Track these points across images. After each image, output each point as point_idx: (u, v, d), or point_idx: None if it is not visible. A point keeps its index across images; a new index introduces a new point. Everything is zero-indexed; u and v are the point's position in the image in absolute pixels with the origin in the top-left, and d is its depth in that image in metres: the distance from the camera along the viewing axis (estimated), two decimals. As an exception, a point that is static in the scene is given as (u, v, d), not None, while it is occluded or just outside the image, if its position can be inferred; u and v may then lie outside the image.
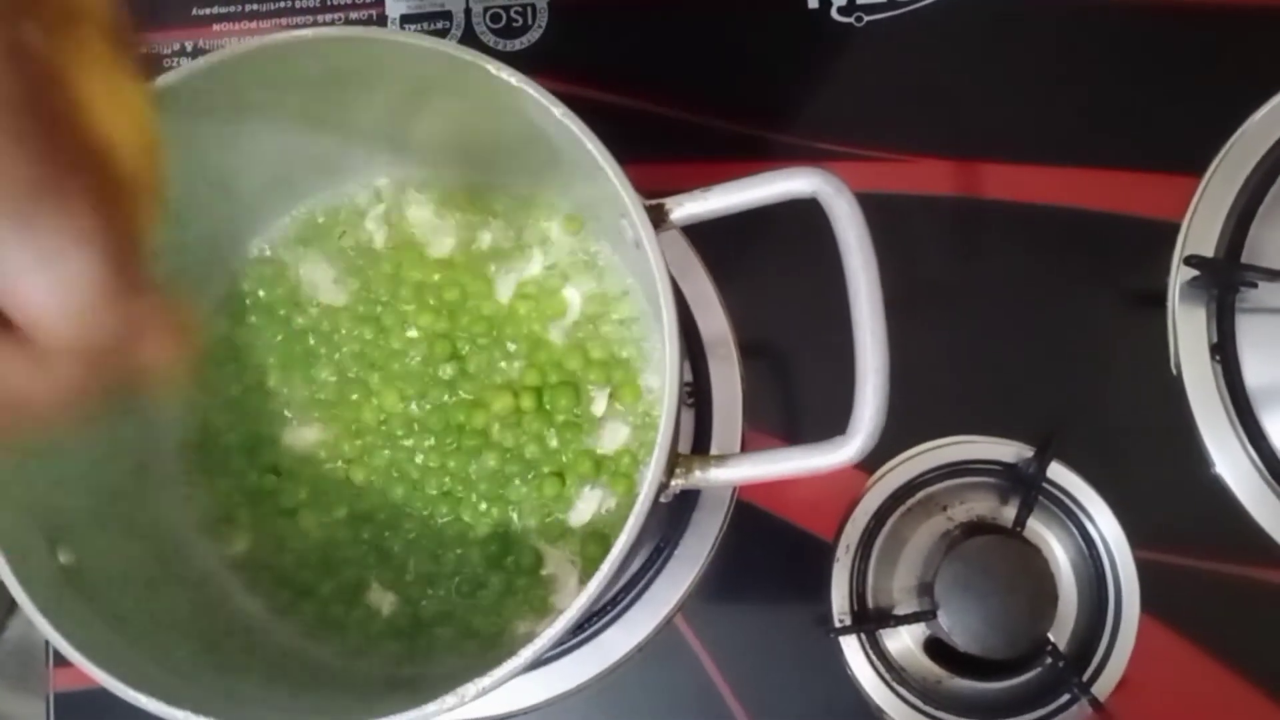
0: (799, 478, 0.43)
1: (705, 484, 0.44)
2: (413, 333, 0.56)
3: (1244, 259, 0.61)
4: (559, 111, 0.43)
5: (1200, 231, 0.62)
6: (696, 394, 0.61)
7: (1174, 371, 0.61)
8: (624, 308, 0.56)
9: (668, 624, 0.60)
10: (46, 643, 0.62)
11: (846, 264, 0.42)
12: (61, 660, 0.61)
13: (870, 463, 0.61)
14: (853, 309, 0.42)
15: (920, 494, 0.61)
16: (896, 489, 0.61)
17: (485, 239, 0.57)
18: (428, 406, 0.55)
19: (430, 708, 0.40)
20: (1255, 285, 0.60)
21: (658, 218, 0.43)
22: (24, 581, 0.42)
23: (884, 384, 0.42)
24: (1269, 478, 0.60)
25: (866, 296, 0.42)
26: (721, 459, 0.44)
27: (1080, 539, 0.60)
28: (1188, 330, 0.61)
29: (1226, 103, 0.63)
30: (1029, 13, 0.66)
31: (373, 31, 0.45)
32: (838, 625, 0.59)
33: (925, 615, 0.57)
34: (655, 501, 0.41)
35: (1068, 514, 0.60)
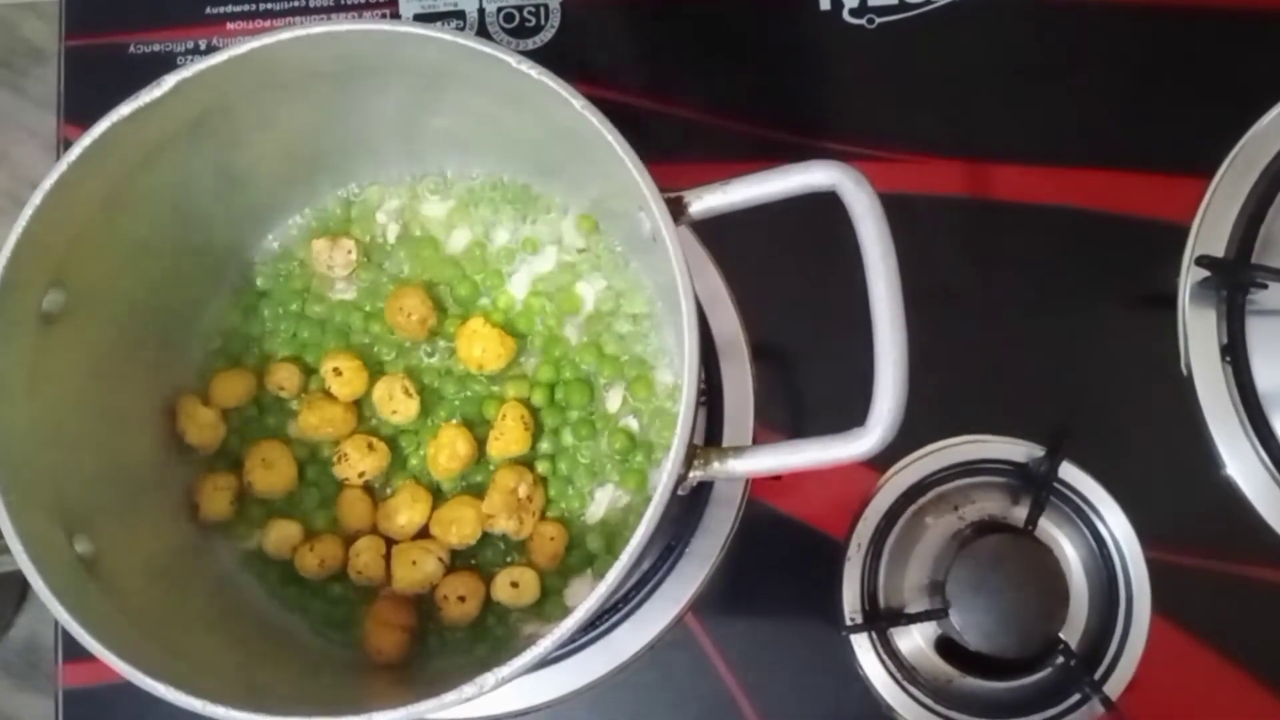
0: (816, 469, 0.43)
1: (723, 475, 0.44)
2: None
3: (1254, 260, 0.61)
4: (579, 104, 0.43)
5: (1210, 233, 0.62)
6: (708, 392, 0.61)
7: (1184, 372, 0.61)
8: (637, 304, 0.56)
9: (678, 622, 0.60)
10: (55, 639, 0.61)
11: (866, 256, 0.42)
12: (71, 656, 0.61)
13: (881, 461, 0.61)
14: (872, 301, 0.42)
15: (932, 493, 0.61)
16: (908, 488, 0.61)
17: (499, 235, 0.57)
18: (439, 401, 0.55)
19: (449, 697, 0.40)
20: (1266, 286, 0.60)
21: (677, 210, 0.43)
22: (40, 568, 0.42)
23: (903, 375, 0.41)
24: (1279, 478, 0.60)
25: (885, 288, 0.42)
26: (739, 450, 0.44)
27: (1091, 539, 0.60)
28: (1198, 331, 0.61)
29: (1237, 104, 0.63)
30: (1039, 15, 0.66)
31: (393, 24, 0.45)
32: (849, 624, 0.59)
33: (937, 614, 0.57)
34: (674, 494, 0.41)
35: (1079, 514, 0.60)
